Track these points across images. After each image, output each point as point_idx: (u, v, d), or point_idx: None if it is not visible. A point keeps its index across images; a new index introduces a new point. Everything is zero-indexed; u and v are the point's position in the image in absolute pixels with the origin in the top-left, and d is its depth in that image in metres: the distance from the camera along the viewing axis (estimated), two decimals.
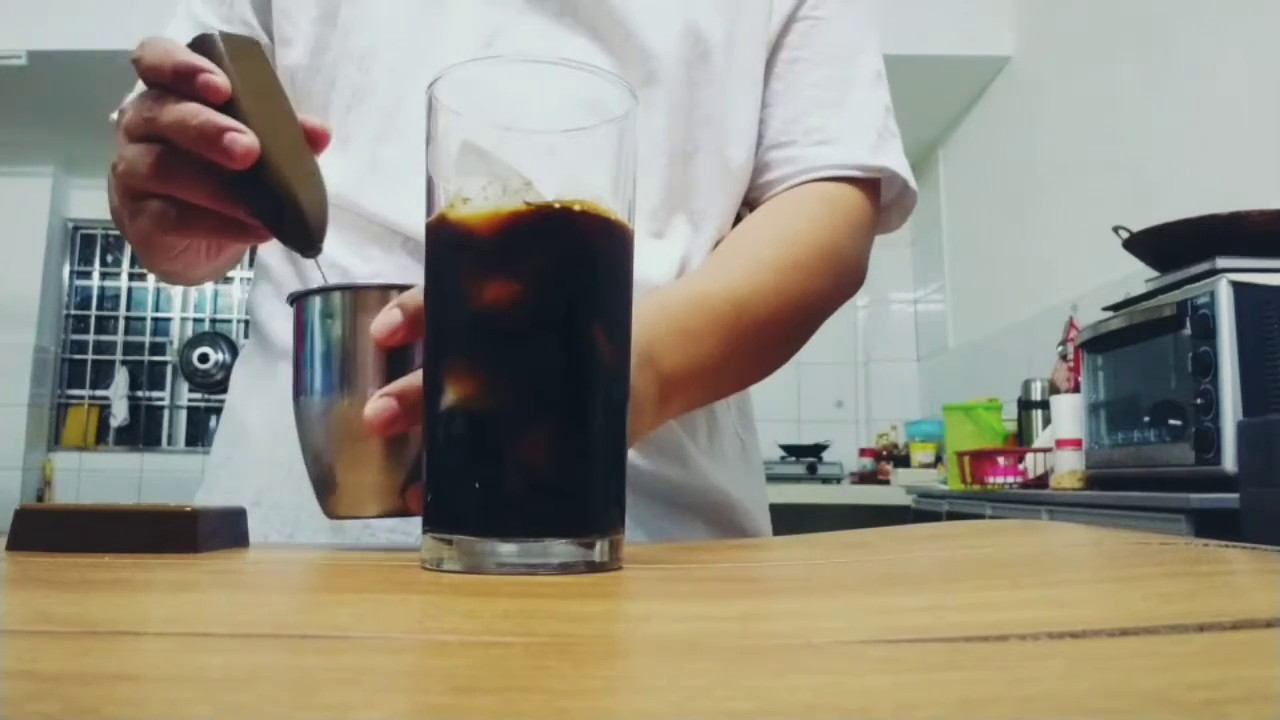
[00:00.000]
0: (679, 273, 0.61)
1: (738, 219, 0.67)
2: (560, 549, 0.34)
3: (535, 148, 0.37)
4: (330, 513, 0.46)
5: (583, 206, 0.35)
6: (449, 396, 0.35)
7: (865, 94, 0.66)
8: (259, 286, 0.67)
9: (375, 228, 0.60)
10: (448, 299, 0.37)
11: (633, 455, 0.58)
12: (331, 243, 0.61)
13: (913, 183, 0.67)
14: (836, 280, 0.63)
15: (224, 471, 0.64)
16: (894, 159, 0.65)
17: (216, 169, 0.44)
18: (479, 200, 0.35)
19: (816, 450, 3.62)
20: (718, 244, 0.64)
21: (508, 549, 0.34)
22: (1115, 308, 1.78)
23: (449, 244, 0.36)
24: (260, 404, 0.63)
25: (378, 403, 0.39)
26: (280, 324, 0.63)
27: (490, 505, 0.34)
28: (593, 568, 0.35)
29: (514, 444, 0.35)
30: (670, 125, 0.62)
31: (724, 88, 0.63)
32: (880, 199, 0.67)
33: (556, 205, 0.35)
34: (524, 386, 0.35)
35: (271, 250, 0.66)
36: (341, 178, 0.61)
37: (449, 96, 0.37)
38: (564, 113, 0.37)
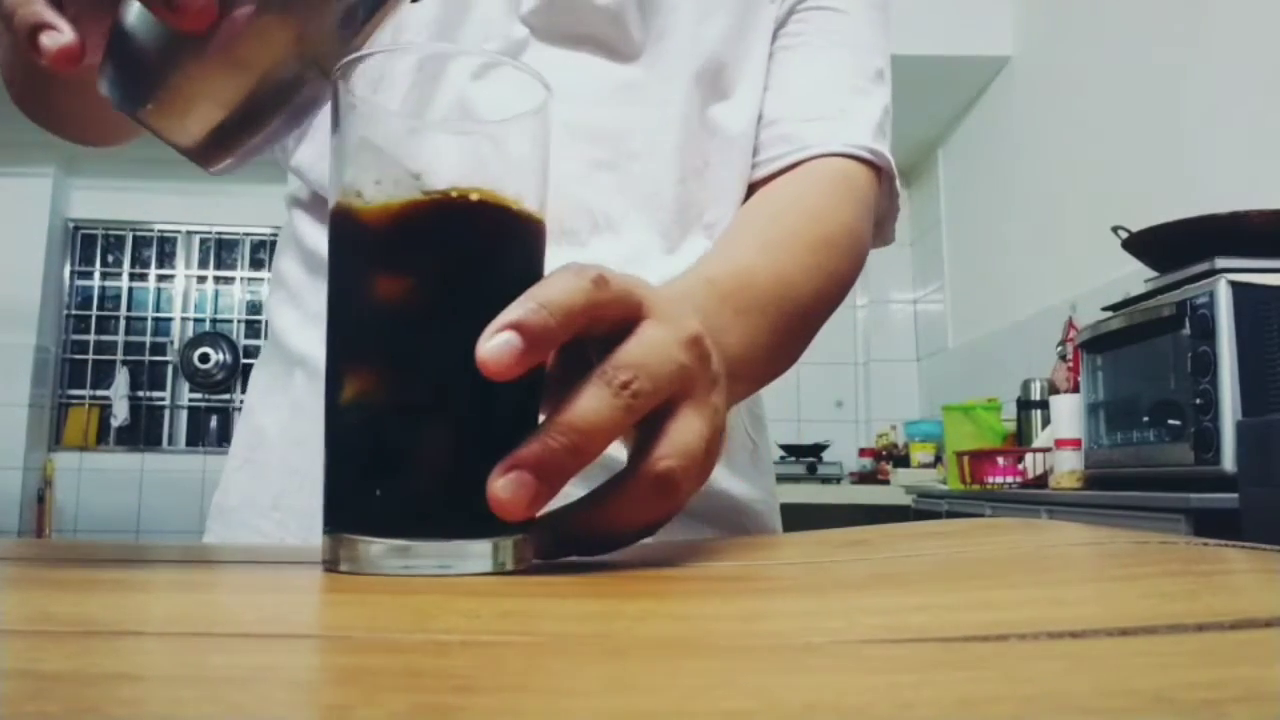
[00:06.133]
0: None
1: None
2: (458, 549, 0.33)
3: (440, 142, 0.36)
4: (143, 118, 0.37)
5: (481, 196, 0.34)
6: (347, 392, 0.35)
7: (869, 84, 0.66)
8: (275, 293, 0.68)
9: None
10: (347, 294, 0.36)
11: None
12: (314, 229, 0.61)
13: (898, 186, 0.67)
14: (857, 260, 0.62)
15: (241, 475, 0.64)
16: (889, 155, 0.65)
17: None
18: (371, 194, 0.34)
19: (816, 450, 3.62)
20: None
21: (401, 549, 0.33)
22: (1114, 308, 1.79)
23: (345, 237, 0.36)
24: (276, 410, 0.64)
25: (498, 338, 0.31)
26: (297, 334, 0.63)
27: (386, 505, 0.33)
28: (492, 569, 0.34)
29: (408, 442, 0.34)
30: (684, 143, 0.62)
31: (736, 100, 0.64)
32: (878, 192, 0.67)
33: (453, 194, 0.34)
34: (420, 383, 0.34)
35: (288, 257, 0.66)
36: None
37: (354, 87, 0.36)
38: (484, 107, 0.35)
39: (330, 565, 0.34)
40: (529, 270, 0.37)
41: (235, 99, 0.36)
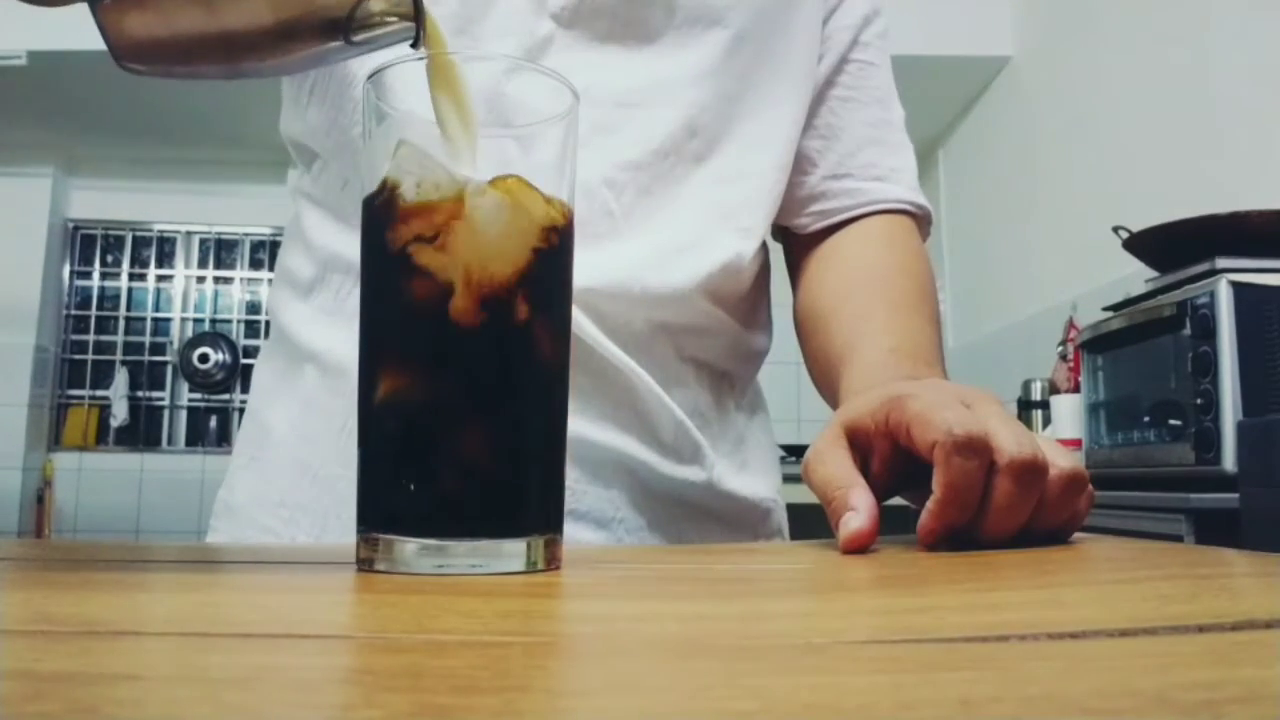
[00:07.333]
0: (724, 276, 0.61)
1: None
2: (493, 549, 0.33)
3: (477, 145, 0.37)
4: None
5: (519, 181, 0.35)
6: (382, 391, 0.35)
7: (901, 137, 0.73)
8: (281, 290, 0.67)
9: None
10: (385, 293, 0.36)
11: (651, 460, 0.59)
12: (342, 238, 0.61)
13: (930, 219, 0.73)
14: (935, 288, 0.69)
15: (247, 473, 0.63)
16: (928, 205, 0.73)
17: None
18: (411, 196, 0.35)
19: None
20: (761, 247, 0.66)
21: (437, 549, 0.33)
22: (1115, 308, 1.78)
23: (382, 237, 0.36)
24: (284, 405, 0.63)
25: (860, 522, 0.41)
26: (307, 329, 0.62)
27: (421, 505, 0.34)
28: (524, 568, 0.34)
29: (444, 441, 0.34)
30: (716, 149, 0.62)
31: (762, 113, 0.64)
32: None
33: (494, 185, 0.35)
34: (456, 382, 0.34)
35: (296, 251, 0.66)
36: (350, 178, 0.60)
37: (388, 91, 0.37)
38: (512, 111, 0.36)
39: (365, 565, 0.34)
40: (562, 271, 0.37)
41: (189, 36, 0.36)
